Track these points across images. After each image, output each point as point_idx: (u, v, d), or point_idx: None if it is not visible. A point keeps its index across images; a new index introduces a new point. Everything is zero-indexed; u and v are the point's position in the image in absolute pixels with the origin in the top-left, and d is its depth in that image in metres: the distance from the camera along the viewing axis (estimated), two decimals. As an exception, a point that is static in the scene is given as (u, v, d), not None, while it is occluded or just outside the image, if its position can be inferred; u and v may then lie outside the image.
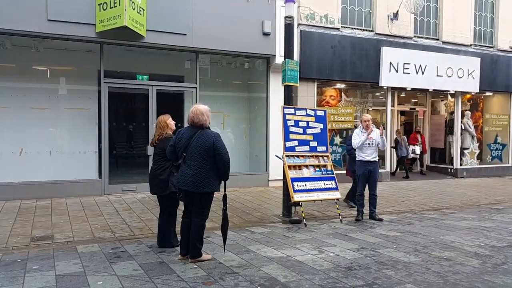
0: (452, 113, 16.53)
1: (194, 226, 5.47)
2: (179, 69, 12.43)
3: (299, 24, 12.56)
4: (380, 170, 10.52)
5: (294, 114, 8.66)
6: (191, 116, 5.47)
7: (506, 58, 16.52)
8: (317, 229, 7.67)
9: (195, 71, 11.70)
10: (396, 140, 15.39)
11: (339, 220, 8.32)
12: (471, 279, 5.05)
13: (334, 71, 13.19)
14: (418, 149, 15.85)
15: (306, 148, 8.71)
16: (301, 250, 6.22)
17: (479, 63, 15.57)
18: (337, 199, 8.65)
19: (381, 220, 8.47)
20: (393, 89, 14.95)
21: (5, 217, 8.08)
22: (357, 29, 13.84)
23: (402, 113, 17.41)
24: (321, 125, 8.97)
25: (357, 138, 8.57)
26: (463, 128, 16.41)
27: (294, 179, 8.23)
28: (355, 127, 11.59)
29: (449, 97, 16.70)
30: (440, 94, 16.91)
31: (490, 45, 16.54)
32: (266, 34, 11.91)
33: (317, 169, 8.70)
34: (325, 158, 8.92)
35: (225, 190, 5.64)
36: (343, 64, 13.30)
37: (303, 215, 8.09)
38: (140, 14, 10.06)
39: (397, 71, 14.02)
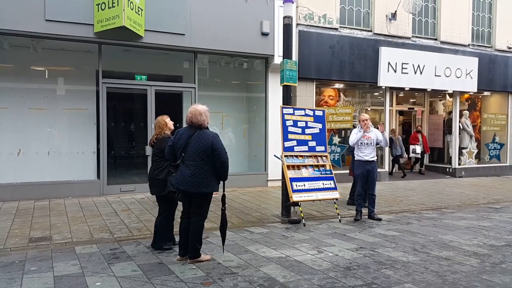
0: (450, 112, 16.55)
1: (193, 226, 5.47)
2: (177, 69, 12.42)
3: (297, 24, 12.57)
4: (378, 170, 10.52)
5: (293, 114, 8.66)
6: (189, 116, 5.46)
7: (504, 58, 16.55)
8: (316, 229, 7.67)
9: (194, 71, 11.70)
10: (391, 140, 15.38)
11: (338, 220, 8.33)
12: (470, 278, 5.05)
13: (333, 71, 13.20)
14: (418, 149, 15.81)
15: (305, 148, 8.72)
16: (300, 250, 6.22)
17: (477, 63, 15.60)
18: (336, 199, 8.65)
19: (380, 219, 8.47)
20: (392, 89, 14.97)
21: (3, 218, 8.06)
22: (355, 29, 13.85)
23: (401, 113, 17.44)
24: (320, 125, 8.97)
25: (354, 136, 8.61)
26: (461, 127, 16.42)
27: (293, 179, 8.23)
28: (354, 127, 11.59)
29: (447, 97, 16.73)
30: (438, 94, 16.93)
31: (488, 45, 16.56)
32: (264, 34, 11.91)
33: (316, 169, 8.70)
34: (323, 158, 8.93)
35: (224, 190, 5.65)
36: (342, 64, 13.31)
37: (302, 215, 8.09)
38: (139, 14, 10.05)
39: (395, 71, 14.03)
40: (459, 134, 16.37)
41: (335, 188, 8.67)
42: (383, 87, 14.48)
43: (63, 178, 10.54)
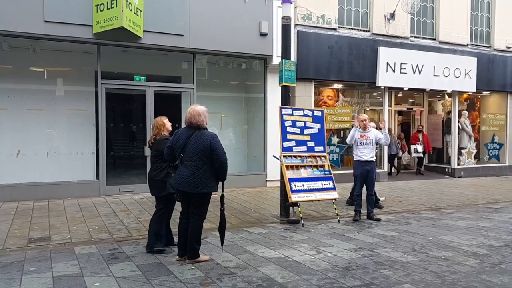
0: (449, 112, 16.56)
1: (192, 227, 5.47)
2: (176, 70, 12.43)
3: (296, 25, 12.58)
4: (377, 170, 10.52)
5: (292, 114, 8.66)
6: (188, 116, 5.46)
7: (502, 57, 16.56)
8: (314, 229, 7.68)
9: (193, 72, 11.70)
10: None
11: (337, 220, 8.33)
12: (469, 278, 5.06)
13: (331, 71, 13.21)
14: (420, 148, 15.76)
15: (304, 148, 8.72)
16: (299, 251, 6.23)
17: (475, 62, 15.62)
18: (335, 199, 8.65)
19: (378, 220, 8.48)
20: (390, 89, 14.98)
21: (2, 219, 8.06)
22: (354, 29, 13.86)
23: (400, 113, 17.44)
24: (319, 125, 8.98)
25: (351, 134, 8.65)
26: (460, 127, 16.43)
27: (291, 180, 8.23)
28: (353, 127, 11.60)
29: (446, 96, 16.74)
30: (437, 93, 16.94)
31: (486, 45, 16.58)
32: (263, 35, 11.91)
33: (315, 169, 8.71)
34: (322, 158, 8.93)
35: (222, 191, 5.65)
36: (340, 65, 13.32)
37: (301, 216, 8.10)
38: (137, 15, 10.06)
39: (394, 71, 14.04)
40: (458, 134, 16.38)
41: (334, 189, 8.68)
42: (382, 87, 14.49)
43: (62, 179, 10.54)
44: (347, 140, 8.90)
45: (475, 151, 16.86)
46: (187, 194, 5.41)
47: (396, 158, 15.81)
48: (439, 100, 17.37)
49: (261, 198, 10.63)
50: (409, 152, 16.15)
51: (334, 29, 13.37)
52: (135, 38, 10.29)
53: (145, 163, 10.67)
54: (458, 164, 16.33)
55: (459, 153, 16.41)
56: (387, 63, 13.88)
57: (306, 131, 8.79)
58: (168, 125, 6.25)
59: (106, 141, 10.90)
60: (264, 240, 6.86)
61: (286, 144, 8.50)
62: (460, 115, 16.46)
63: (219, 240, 5.87)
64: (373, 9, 14.06)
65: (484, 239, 7.06)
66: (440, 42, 15.31)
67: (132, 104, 17.27)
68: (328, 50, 13.10)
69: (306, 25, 12.88)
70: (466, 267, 5.51)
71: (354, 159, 8.71)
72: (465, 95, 16.73)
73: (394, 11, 14.09)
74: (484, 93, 17.16)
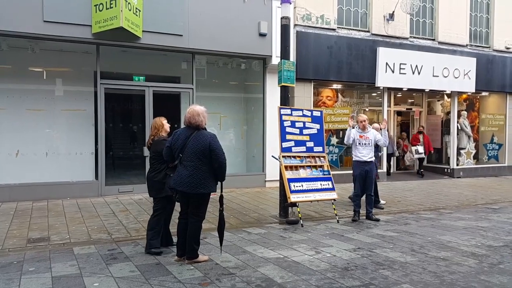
0: (448, 113, 16.57)
1: (191, 227, 5.46)
2: (175, 70, 12.43)
3: (295, 25, 12.58)
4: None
5: (291, 114, 8.66)
6: (187, 117, 5.46)
7: (501, 58, 16.58)
8: (313, 229, 7.68)
9: (192, 72, 11.70)
10: None
11: (336, 221, 8.33)
12: (468, 279, 5.06)
13: (331, 72, 13.21)
14: (421, 149, 15.67)
15: (303, 148, 8.72)
16: (298, 251, 6.23)
17: (475, 63, 15.63)
18: (334, 200, 8.65)
19: (377, 220, 8.48)
20: (390, 89, 15.00)
21: (1, 219, 8.05)
22: (353, 29, 13.87)
23: (399, 113, 17.44)
24: (318, 126, 8.97)
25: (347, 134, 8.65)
26: (459, 128, 16.44)
27: (290, 180, 8.23)
28: (352, 127, 11.60)
29: (445, 97, 16.74)
30: (436, 94, 16.95)
31: (485, 45, 16.59)
32: (262, 35, 11.92)
33: (314, 169, 8.71)
34: (321, 158, 8.93)
35: (221, 191, 5.65)
36: (340, 65, 13.32)
37: (300, 216, 8.10)
38: (136, 15, 10.06)
39: (393, 72, 14.05)
40: (457, 134, 16.39)
41: (333, 189, 8.68)
42: (381, 88, 14.51)
43: (61, 179, 10.53)
44: (345, 141, 8.93)
45: (474, 151, 16.87)
46: (186, 195, 5.40)
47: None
48: (438, 101, 17.37)
49: (260, 199, 10.63)
50: (411, 153, 16.08)
51: (334, 29, 13.38)
52: (134, 38, 10.29)
53: (144, 163, 10.67)
54: (457, 165, 16.34)
55: (458, 154, 16.43)
56: (387, 63, 13.89)
57: (305, 131, 8.78)
58: (167, 126, 6.23)
59: (105, 141, 10.89)
60: (263, 240, 6.86)
61: (285, 145, 8.50)
62: (459, 116, 16.48)
63: (218, 241, 5.87)
64: (372, 9, 14.07)
65: (483, 239, 7.06)
66: (439, 43, 15.32)
67: (131, 104, 17.27)
68: (328, 51, 13.10)
69: (305, 25, 12.89)
70: (465, 267, 5.52)
71: (353, 159, 8.71)
72: (464, 96, 16.74)
73: (393, 12, 14.10)
74: (483, 93, 17.17)
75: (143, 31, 10.36)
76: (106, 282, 4.88)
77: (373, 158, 8.62)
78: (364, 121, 8.61)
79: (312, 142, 8.85)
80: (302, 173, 8.50)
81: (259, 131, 12.84)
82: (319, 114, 9.14)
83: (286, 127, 8.55)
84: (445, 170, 16.44)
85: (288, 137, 8.55)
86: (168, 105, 11.88)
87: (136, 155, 15.30)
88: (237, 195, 11.05)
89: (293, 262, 5.66)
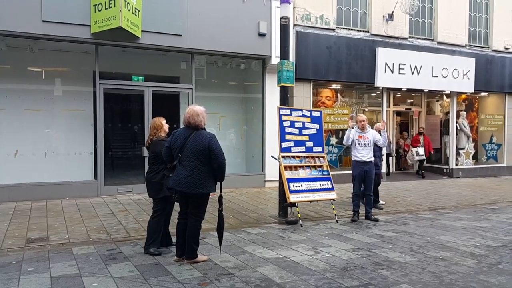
0: (447, 113, 16.58)
1: (190, 227, 5.46)
2: (174, 70, 12.42)
3: (294, 25, 12.58)
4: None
5: (290, 114, 8.66)
6: (186, 117, 5.46)
7: (500, 58, 16.59)
8: (313, 229, 7.68)
9: (191, 72, 11.70)
10: None
11: (335, 221, 8.33)
12: (467, 279, 5.06)
13: (330, 72, 13.22)
14: (421, 150, 15.58)
15: (302, 148, 8.72)
16: (297, 251, 6.23)
17: (474, 63, 15.64)
18: (333, 200, 8.65)
19: (377, 220, 8.49)
20: (389, 89, 15.01)
21: (0, 219, 8.04)
22: (352, 29, 13.88)
23: (398, 113, 17.44)
24: (317, 126, 8.97)
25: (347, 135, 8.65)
26: (458, 128, 16.45)
27: (290, 180, 8.23)
28: (352, 127, 11.60)
29: (445, 97, 16.75)
30: (435, 94, 16.95)
31: (484, 46, 16.61)
32: (261, 35, 11.92)
33: (313, 169, 8.70)
34: (321, 158, 8.93)
35: (220, 191, 5.64)
36: (339, 65, 13.33)
37: (299, 216, 8.10)
38: (135, 15, 10.05)
39: (392, 72, 14.06)
40: (456, 134, 16.40)
41: (332, 189, 8.68)
42: (380, 88, 14.52)
43: (60, 179, 10.52)
44: (344, 141, 8.92)
45: (473, 151, 16.88)
46: (185, 195, 5.40)
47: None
48: (437, 101, 17.38)
49: (260, 199, 10.63)
50: (412, 154, 16.00)
51: (333, 29, 13.38)
52: (133, 38, 10.29)
53: (143, 163, 10.67)
54: (456, 165, 16.34)
55: (457, 154, 16.43)
56: (386, 63, 13.90)
57: (304, 131, 8.78)
58: (166, 126, 6.21)
59: (104, 141, 10.88)
60: (262, 240, 6.86)
61: (284, 145, 8.50)
62: (458, 116, 16.49)
63: (217, 241, 5.87)
64: (371, 9, 14.08)
65: (482, 239, 7.07)
66: (439, 43, 15.33)
67: (130, 104, 17.24)
68: (327, 51, 13.11)
69: (304, 26, 12.89)
70: (464, 267, 5.52)
71: (353, 159, 8.71)
72: (463, 96, 16.75)
73: (392, 12, 14.11)
74: (482, 93, 17.18)
75: (142, 31, 10.36)
76: (105, 282, 4.88)
77: (372, 158, 8.62)
78: (363, 120, 8.60)
79: (312, 142, 8.85)
80: (302, 173, 8.50)
81: (259, 131, 12.84)
82: (318, 114, 9.14)
83: (286, 127, 8.55)
84: (444, 170, 16.44)
85: (287, 137, 8.55)
86: (167, 105, 11.89)
87: (135, 155, 15.28)
88: (236, 195, 11.05)
89: (292, 262, 5.66)
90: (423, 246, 6.56)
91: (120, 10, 9.35)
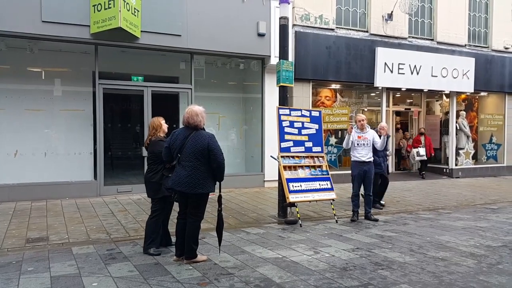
0: (447, 113, 16.58)
1: (189, 227, 5.46)
2: (174, 70, 12.42)
3: (294, 25, 12.58)
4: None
5: (289, 114, 8.66)
6: (186, 117, 5.46)
7: (500, 58, 16.59)
8: (312, 229, 7.68)
9: (190, 72, 11.70)
10: None
11: (335, 221, 8.33)
12: (466, 279, 5.07)
13: (329, 72, 13.22)
14: (422, 151, 15.43)
15: (301, 148, 8.72)
16: (297, 251, 6.23)
17: (473, 63, 15.64)
18: (333, 200, 8.65)
19: (376, 220, 8.49)
20: (388, 89, 15.01)
21: (0, 219, 8.04)
22: (352, 29, 13.88)
23: (398, 113, 17.43)
24: (316, 126, 8.98)
25: (349, 136, 8.64)
26: (458, 128, 16.44)
27: (289, 180, 8.23)
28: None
29: (444, 97, 16.75)
30: (435, 94, 16.95)
31: (484, 45, 16.61)
32: (261, 35, 11.92)
33: (313, 169, 8.71)
34: (320, 158, 8.93)
35: (220, 191, 5.64)
36: (338, 65, 13.33)
37: (299, 216, 8.10)
38: (135, 15, 10.05)
39: (392, 72, 14.06)
40: (456, 134, 16.40)
41: (331, 189, 8.68)
42: (380, 88, 14.52)
43: (60, 179, 10.52)
44: (344, 145, 8.89)
45: (473, 151, 16.88)
46: (185, 195, 5.40)
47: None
48: (437, 101, 17.38)
49: (259, 199, 10.63)
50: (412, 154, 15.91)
51: (332, 29, 13.38)
52: (133, 38, 10.29)
53: (143, 163, 10.67)
54: (456, 165, 16.35)
55: (457, 154, 16.43)
56: (385, 63, 13.90)
57: (304, 131, 8.79)
58: (165, 126, 6.20)
59: (104, 141, 10.88)
60: (261, 240, 6.86)
61: (283, 145, 8.50)
62: (458, 116, 16.49)
63: (216, 241, 5.88)
64: (371, 9, 14.08)
65: (482, 239, 7.07)
66: (438, 43, 15.33)
67: (129, 105, 17.25)
68: (326, 51, 13.11)
69: (304, 26, 12.89)
70: (464, 267, 5.52)
71: (352, 159, 8.71)
72: (463, 96, 16.75)
73: (392, 12, 14.11)
74: (482, 93, 17.18)
75: (141, 31, 10.36)
76: (104, 282, 4.88)
77: (372, 159, 8.61)
78: (363, 120, 8.59)
79: (311, 142, 8.86)
80: (301, 173, 8.50)
81: (258, 131, 12.84)
82: (317, 114, 9.14)
83: (285, 127, 8.55)
84: (444, 170, 16.44)
85: (286, 137, 8.55)
86: (167, 105, 11.89)
87: (134, 155, 15.30)
88: (236, 195, 11.05)
89: (292, 262, 5.66)
90: (422, 246, 6.56)
91: (120, 10, 9.34)
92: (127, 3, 9.64)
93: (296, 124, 8.70)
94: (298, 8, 12.80)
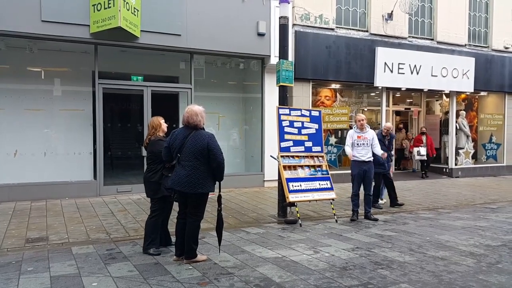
0: (447, 113, 16.58)
1: (189, 227, 5.46)
2: (174, 70, 12.41)
3: (293, 25, 12.58)
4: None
5: (289, 114, 8.66)
6: (185, 116, 5.46)
7: (500, 58, 16.59)
8: (312, 229, 7.68)
9: (190, 72, 11.69)
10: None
11: (334, 220, 8.33)
12: (466, 278, 5.07)
13: (329, 72, 13.21)
14: (423, 150, 15.35)
15: (301, 148, 8.72)
16: (296, 250, 6.23)
17: (473, 63, 15.63)
18: (333, 199, 8.65)
19: (376, 220, 8.49)
20: (388, 89, 15.00)
21: (0, 219, 8.07)
22: (351, 29, 13.88)
23: (397, 113, 17.44)
24: (316, 126, 8.98)
25: (349, 140, 8.60)
26: (458, 128, 16.45)
27: (289, 180, 8.23)
28: (350, 127, 11.61)
29: (444, 97, 16.75)
30: (435, 94, 16.96)
31: (484, 45, 16.61)
32: (261, 35, 11.92)
33: (312, 169, 8.70)
34: (320, 158, 8.93)
35: (219, 191, 5.64)
36: (338, 65, 13.33)
37: (298, 216, 8.10)
38: (135, 15, 10.05)
39: (391, 71, 14.06)
40: (456, 134, 16.41)
41: (331, 189, 8.68)
42: (380, 87, 14.52)
43: (59, 179, 10.52)
44: (347, 152, 8.81)
45: (472, 151, 16.89)
46: (184, 194, 5.40)
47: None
48: (437, 100, 17.38)
49: (259, 198, 10.63)
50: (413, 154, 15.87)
51: (332, 29, 13.38)
52: (133, 38, 10.29)
53: (143, 163, 10.66)
54: (456, 164, 16.35)
55: (457, 153, 16.44)
56: (385, 63, 13.90)
57: (303, 131, 8.79)
58: (164, 126, 6.20)
59: (104, 141, 10.87)
60: (261, 240, 6.86)
61: (283, 144, 8.50)
62: (457, 115, 16.49)
63: (216, 240, 5.88)
64: (371, 9, 14.08)
65: (482, 239, 7.07)
66: (438, 42, 15.33)
67: (129, 104, 17.24)
68: (326, 50, 13.11)
69: (304, 25, 12.89)
70: (463, 266, 5.52)
71: (352, 159, 8.70)
72: (463, 95, 16.76)
73: (392, 11, 14.11)
74: (482, 93, 17.19)
75: (141, 31, 10.35)
76: (104, 281, 4.88)
77: (371, 158, 8.60)
78: (362, 120, 8.58)
79: (311, 142, 8.86)
80: (301, 173, 8.50)
81: (258, 131, 12.84)
82: (317, 114, 9.14)
83: (285, 127, 8.55)
84: (444, 169, 16.44)
85: (286, 136, 8.55)
86: (167, 105, 11.90)
87: (134, 155, 15.27)
88: (235, 195, 11.05)
89: (292, 262, 5.66)
90: (422, 246, 6.56)
91: (119, 10, 9.34)
92: (127, 3, 9.63)
93: (296, 124, 8.70)
94: (298, 7, 12.80)
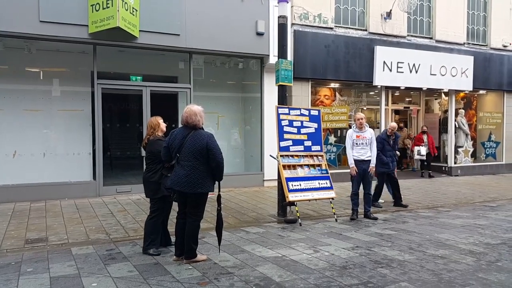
0: (446, 111, 16.59)
1: (189, 227, 5.46)
2: (173, 70, 12.41)
3: (292, 24, 12.58)
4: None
5: (288, 114, 8.66)
6: (184, 116, 5.45)
7: (499, 56, 16.60)
8: (312, 228, 7.68)
9: (189, 72, 11.69)
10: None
11: (334, 219, 8.32)
12: (466, 276, 5.07)
13: (328, 71, 13.22)
14: (423, 150, 15.22)
15: (301, 147, 8.72)
16: (296, 250, 6.23)
17: (472, 61, 15.65)
18: (332, 198, 8.64)
19: (375, 219, 8.49)
20: (387, 88, 15.01)
21: (-1, 220, 8.05)
22: (350, 28, 13.88)
23: (397, 112, 17.44)
24: (315, 125, 8.98)
25: (348, 142, 8.59)
26: (457, 126, 16.46)
27: (288, 179, 8.23)
28: (350, 126, 11.60)
29: (443, 95, 16.76)
30: (434, 92, 16.96)
31: (483, 44, 16.62)
32: (260, 34, 11.91)
33: (312, 168, 8.70)
34: (319, 157, 8.93)
35: (219, 191, 5.63)
36: (337, 64, 13.33)
37: (298, 215, 8.09)
38: (133, 15, 10.04)
39: (390, 70, 14.06)
40: (455, 132, 16.42)
41: (331, 188, 8.68)
42: (379, 86, 14.52)
43: (59, 179, 10.51)
44: (348, 156, 8.80)
45: (472, 149, 16.90)
46: (184, 194, 5.40)
47: None
48: (436, 99, 17.40)
49: (259, 198, 10.63)
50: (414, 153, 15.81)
51: (331, 28, 13.38)
52: (131, 38, 10.28)
53: (142, 163, 10.60)
54: (455, 163, 16.36)
55: (456, 152, 16.45)
56: (384, 62, 13.90)
57: (303, 130, 8.79)
58: (163, 126, 6.18)
59: (103, 141, 10.87)
60: (261, 239, 6.86)
61: (283, 144, 8.50)
62: (457, 114, 16.50)
63: (216, 240, 5.88)
64: (369, 8, 14.08)
65: (481, 237, 7.07)
66: (437, 41, 15.34)
67: (128, 104, 17.24)
68: (325, 50, 13.11)
69: (302, 25, 12.89)
70: (463, 265, 5.52)
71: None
72: (461, 94, 16.76)
73: (390, 10, 14.11)
74: (481, 91, 17.19)
75: (140, 30, 10.35)
76: (104, 282, 4.87)
77: (371, 157, 8.59)
78: (361, 119, 8.57)
79: (310, 141, 8.85)
80: (300, 172, 8.50)
81: (257, 131, 12.83)
82: (316, 113, 9.13)
83: (284, 126, 8.55)
84: (443, 168, 16.45)
85: (286, 136, 8.55)
86: (166, 105, 11.89)
87: (134, 155, 15.27)
88: (235, 194, 11.05)
89: (292, 261, 5.66)
90: (422, 244, 6.56)
91: (118, 10, 9.34)
92: (125, 3, 9.63)
93: (295, 123, 8.69)
94: (297, 7, 12.80)
